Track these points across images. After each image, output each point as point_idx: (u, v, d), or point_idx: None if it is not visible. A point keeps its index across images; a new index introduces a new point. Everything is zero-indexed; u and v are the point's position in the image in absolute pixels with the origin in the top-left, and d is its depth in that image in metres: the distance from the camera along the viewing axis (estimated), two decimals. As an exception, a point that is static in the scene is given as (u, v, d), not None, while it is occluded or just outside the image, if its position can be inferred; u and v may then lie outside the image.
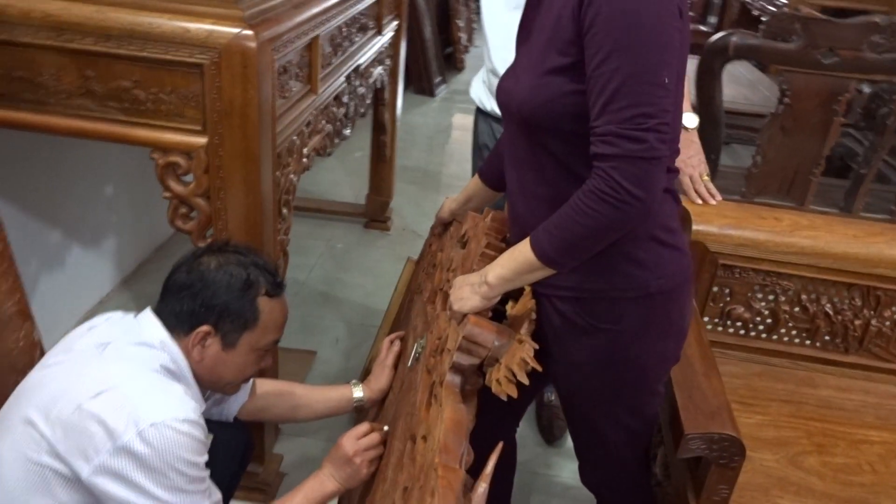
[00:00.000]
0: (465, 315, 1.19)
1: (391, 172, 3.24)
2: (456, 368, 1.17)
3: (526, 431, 2.21)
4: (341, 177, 3.87)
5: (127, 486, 1.08)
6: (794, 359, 1.69)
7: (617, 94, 0.96)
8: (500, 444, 1.04)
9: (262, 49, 1.36)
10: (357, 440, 1.36)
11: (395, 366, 1.63)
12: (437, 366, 1.25)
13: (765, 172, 2.69)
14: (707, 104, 2.62)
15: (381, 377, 1.61)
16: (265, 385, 1.56)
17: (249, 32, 1.34)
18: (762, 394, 1.60)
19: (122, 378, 1.13)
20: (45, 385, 1.16)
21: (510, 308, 1.27)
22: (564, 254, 1.08)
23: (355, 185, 3.77)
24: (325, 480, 1.35)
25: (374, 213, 3.32)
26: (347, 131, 2.24)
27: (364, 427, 1.40)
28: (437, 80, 5.46)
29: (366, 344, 2.53)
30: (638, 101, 0.96)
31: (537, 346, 1.12)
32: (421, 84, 5.26)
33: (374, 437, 1.37)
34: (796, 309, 1.67)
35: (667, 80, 0.97)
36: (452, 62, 5.99)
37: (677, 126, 1.11)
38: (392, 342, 1.67)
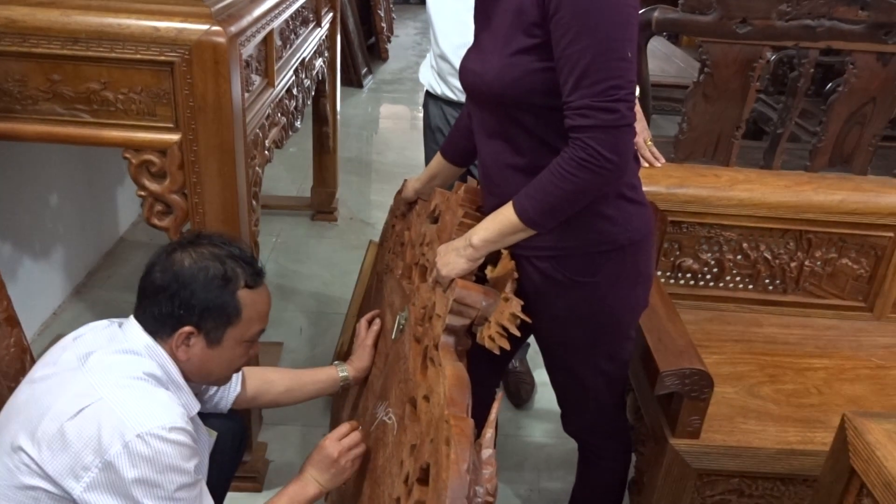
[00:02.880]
0: (451, 280, 1.28)
1: (335, 163, 3.29)
2: (449, 330, 1.25)
3: (494, 398, 2.32)
4: (280, 173, 3.88)
5: (119, 500, 1.08)
6: (740, 303, 1.85)
7: (588, 71, 1.07)
8: (501, 394, 1.13)
9: (230, 44, 1.40)
10: (339, 441, 1.37)
11: (375, 344, 1.70)
12: (427, 332, 1.33)
13: (691, 138, 2.86)
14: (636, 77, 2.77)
15: (363, 356, 1.68)
16: (255, 373, 1.60)
17: (218, 28, 1.38)
18: (715, 336, 1.75)
19: (105, 390, 1.11)
20: (30, 404, 1.15)
21: (490, 272, 1.36)
22: (546, 216, 1.18)
23: (296, 179, 3.80)
24: (308, 484, 1.36)
25: (321, 205, 3.36)
26: (298, 123, 2.29)
27: (345, 427, 1.41)
28: (364, 70, 5.49)
29: (329, 331, 2.58)
30: (607, 76, 1.07)
31: (523, 303, 1.22)
32: (349, 76, 5.29)
33: (356, 437, 1.39)
34: (739, 257, 1.82)
35: (629, 54, 1.08)
36: (376, 52, 6.03)
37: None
38: (370, 322, 1.73)
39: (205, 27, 1.38)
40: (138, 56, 1.39)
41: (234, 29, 1.43)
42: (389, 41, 6.38)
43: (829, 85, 3.41)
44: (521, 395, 2.29)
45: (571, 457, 2.08)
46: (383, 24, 6.05)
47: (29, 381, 1.21)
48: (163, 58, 1.39)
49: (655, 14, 2.66)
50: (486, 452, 1.08)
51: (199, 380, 1.30)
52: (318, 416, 2.18)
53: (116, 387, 1.13)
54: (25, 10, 1.36)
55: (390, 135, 4.77)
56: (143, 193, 1.52)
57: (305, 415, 2.18)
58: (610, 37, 1.06)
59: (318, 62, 2.63)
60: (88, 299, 2.69)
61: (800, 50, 3.11)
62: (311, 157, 3.30)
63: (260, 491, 1.90)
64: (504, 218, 1.21)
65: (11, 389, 1.32)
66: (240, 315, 1.25)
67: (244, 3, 1.57)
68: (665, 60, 4.66)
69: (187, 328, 1.21)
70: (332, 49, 2.92)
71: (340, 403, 1.99)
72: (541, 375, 2.35)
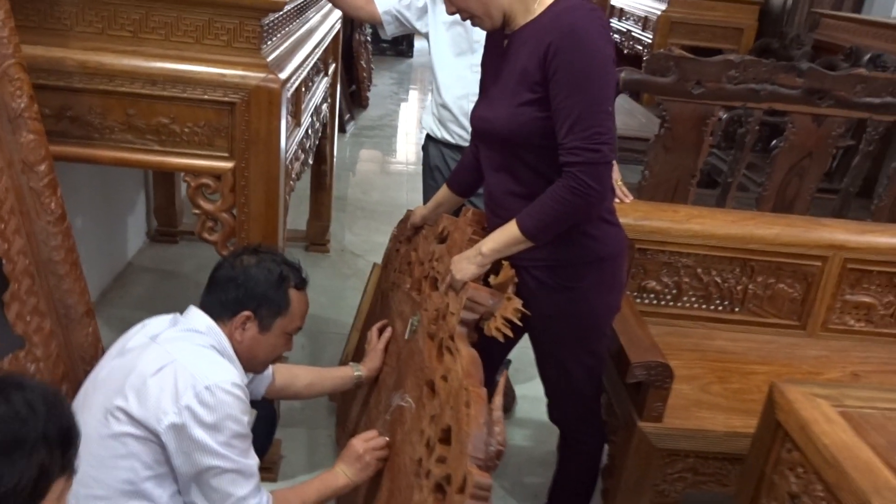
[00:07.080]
0: (464, 284, 1.57)
1: (330, 199, 3.58)
2: (463, 323, 1.54)
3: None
4: (273, 208, 4.14)
5: (189, 441, 1.34)
6: (695, 320, 2.17)
7: (578, 120, 1.39)
8: (506, 371, 1.42)
9: (282, 88, 1.70)
10: (366, 441, 1.63)
11: (386, 348, 1.97)
12: (441, 327, 1.62)
13: (652, 185, 3.23)
14: (604, 129, 3.13)
15: (375, 358, 1.95)
16: (283, 368, 1.87)
17: (273, 76, 1.68)
18: (674, 346, 2.06)
19: (178, 354, 1.39)
20: (113, 373, 1.41)
21: (493, 280, 1.66)
22: (543, 230, 1.49)
23: (291, 214, 4.05)
24: (338, 475, 1.61)
25: (315, 237, 3.63)
26: (310, 160, 2.58)
27: (372, 432, 1.68)
28: (347, 117, 5.82)
29: (328, 347, 2.84)
30: (593, 124, 1.39)
31: (522, 301, 1.51)
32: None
33: (381, 441, 1.64)
34: (694, 280, 2.15)
35: (610, 109, 1.41)
36: (357, 100, 6.38)
37: (614, 138, 1.55)
38: (381, 329, 2.00)
39: (262, 75, 1.68)
40: (206, 97, 1.68)
41: (283, 76, 1.74)
42: (369, 90, 6.74)
43: (774, 141, 3.84)
44: (504, 406, 2.56)
45: (547, 458, 2.37)
46: (365, 74, 6.41)
47: (107, 360, 1.47)
48: (226, 99, 1.68)
49: (622, 75, 3.04)
50: (497, 414, 1.36)
51: (245, 362, 1.56)
52: (323, 420, 2.43)
53: (187, 352, 1.40)
54: (113, 56, 1.65)
55: (373, 176, 5.09)
56: (197, 212, 1.80)
57: (311, 418, 2.42)
58: (595, 94, 1.39)
59: (324, 107, 2.94)
60: (104, 316, 2.89)
61: (746, 110, 3.54)
62: (306, 194, 3.58)
63: (275, 481, 2.13)
64: (509, 232, 1.52)
65: (86, 372, 1.57)
66: (288, 308, 1.55)
67: (286, 54, 1.88)
68: (628, 115, 5.08)
69: (247, 312, 1.50)
70: (333, 96, 3.23)
71: (348, 404, 2.24)
72: (521, 389, 2.64)
